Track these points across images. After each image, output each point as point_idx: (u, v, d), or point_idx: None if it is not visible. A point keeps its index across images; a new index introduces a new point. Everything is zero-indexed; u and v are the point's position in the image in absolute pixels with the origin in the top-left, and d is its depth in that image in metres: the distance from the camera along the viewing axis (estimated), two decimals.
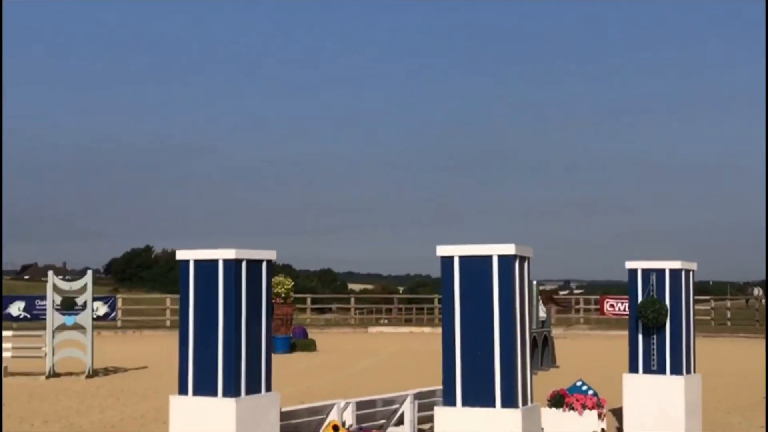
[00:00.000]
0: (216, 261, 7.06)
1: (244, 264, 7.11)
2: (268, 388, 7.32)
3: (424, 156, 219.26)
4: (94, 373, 15.70)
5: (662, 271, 9.09)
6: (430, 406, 8.33)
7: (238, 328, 7.05)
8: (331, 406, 8.14)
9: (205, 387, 7.02)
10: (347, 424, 8.11)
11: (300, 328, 24.41)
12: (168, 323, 35.73)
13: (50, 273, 16.20)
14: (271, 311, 7.47)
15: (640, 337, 9.17)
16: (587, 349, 23.58)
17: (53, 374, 15.52)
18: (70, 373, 15.86)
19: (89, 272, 16.19)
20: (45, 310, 32.50)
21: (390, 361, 19.88)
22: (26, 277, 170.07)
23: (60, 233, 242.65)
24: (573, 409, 9.02)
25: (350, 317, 40.76)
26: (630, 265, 9.20)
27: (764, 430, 5.75)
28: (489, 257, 6.48)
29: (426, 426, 9.08)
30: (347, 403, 8.24)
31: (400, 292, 72.74)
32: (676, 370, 9.05)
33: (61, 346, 15.92)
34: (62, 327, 16.12)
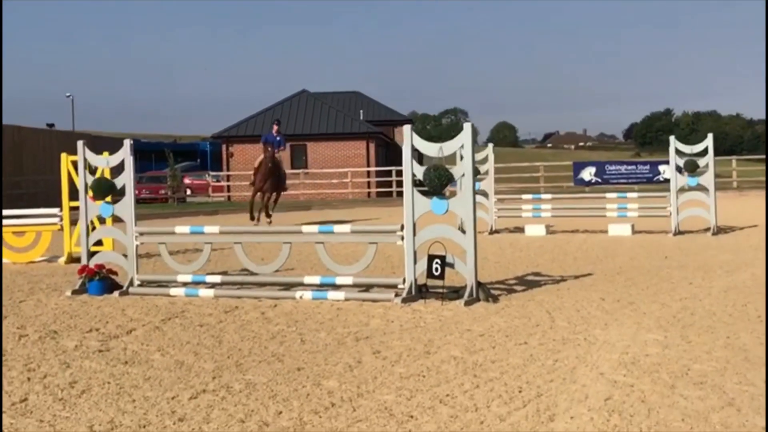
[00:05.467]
0: None
1: None
2: None
3: None
4: (717, 231, 16.60)
5: None
6: None
7: None
8: None
9: None
10: None
11: None
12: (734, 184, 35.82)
13: (672, 138, 17.19)
14: None
15: None
16: None
17: (678, 232, 16.68)
18: (691, 231, 16.95)
19: (709, 137, 16.90)
20: (615, 174, 34.45)
21: None
22: (549, 145, 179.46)
23: (578, 101, 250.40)
24: None
25: None
26: None
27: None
28: None
29: None
30: None
31: None
32: None
33: (684, 206, 16.99)
34: (684, 189, 17.12)
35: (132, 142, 10.66)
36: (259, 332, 7.69)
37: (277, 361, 6.46)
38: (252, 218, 20.26)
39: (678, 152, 16.93)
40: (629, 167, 35.14)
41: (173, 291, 10.12)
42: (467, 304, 8.85)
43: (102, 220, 12.18)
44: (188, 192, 45.66)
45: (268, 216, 20.27)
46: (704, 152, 16.80)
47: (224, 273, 11.53)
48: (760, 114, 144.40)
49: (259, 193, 20.42)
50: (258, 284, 10.23)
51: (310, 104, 44.42)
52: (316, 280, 9.88)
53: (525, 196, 19.51)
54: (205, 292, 9.96)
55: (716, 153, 17.00)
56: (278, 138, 20.17)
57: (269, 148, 19.79)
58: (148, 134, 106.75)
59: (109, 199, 10.72)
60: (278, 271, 10.43)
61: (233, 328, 7.90)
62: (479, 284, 9.25)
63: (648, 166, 34.84)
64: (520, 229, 18.51)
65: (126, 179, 10.54)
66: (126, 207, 10.57)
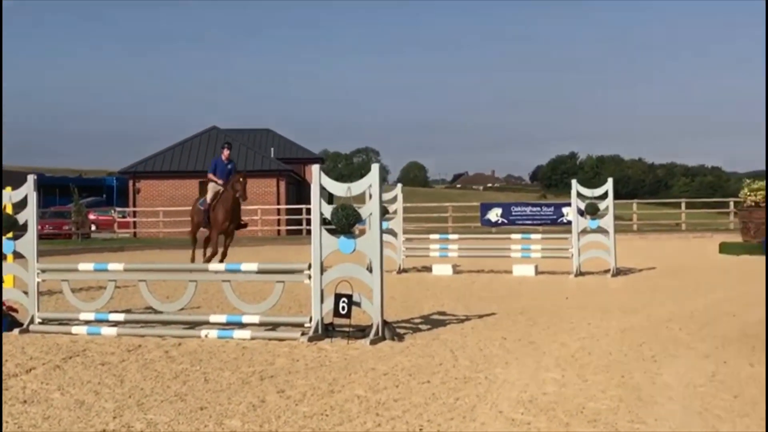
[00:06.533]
0: None
1: None
2: None
3: None
4: (617, 272, 17.11)
5: None
6: None
7: None
8: None
9: None
10: None
11: None
12: (634, 227, 36.85)
13: (574, 182, 17.71)
14: None
15: None
16: None
17: (579, 273, 17.14)
18: (592, 273, 17.43)
19: (609, 181, 17.46)
20: (521, 215, 35.13)
21: None
22: (458, 185, 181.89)
23: (485, 142, 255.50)
24: None
25: None
26: None
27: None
28: None
29: None
30: None
31: None
32: None
33: (585, 248, 17.49)
34: (585, 231, 17.62)
35: (36, 177, 10.49)
36: (162, 371, 7.62)
37: (179, 401, 6.43)
38: (193, 259, 17.60)
39: (580, 195, 17.46)
40: (534, 209, 35.97)
41: (75, 329, 9.94)
42: (373, 342, 8.94)
43: (3, 257, 11.87)
44: (93, 228, 44.74)
45: (224, 256, 17.10)
46: (605, 195, 17.36)
47: (128, 311, 11.37)
48: (660, 159, 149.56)
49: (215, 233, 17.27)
50: (162, 323, 10.12)
51: (221, 140, 44.17)
52: (222, 318, 9.84)
53: (433, 236, 19.83)
54: (107, 331, 9.81)
55: (618, 196, 17.60)
56: (230, 166, 17.06)
57: (240, 179, 16.58)
58: (52, 168, 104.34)
59: (10, 235, 10.50)
60: (183, 310, 10.34)
61: (136, 367, 7.82)
62: (385, 323, 9.35)
63: (552, 208, 35.73)
64: (427, 269, 18.76)
65: (29, 215, 10.36)
66: (28, 243, 10.39)
